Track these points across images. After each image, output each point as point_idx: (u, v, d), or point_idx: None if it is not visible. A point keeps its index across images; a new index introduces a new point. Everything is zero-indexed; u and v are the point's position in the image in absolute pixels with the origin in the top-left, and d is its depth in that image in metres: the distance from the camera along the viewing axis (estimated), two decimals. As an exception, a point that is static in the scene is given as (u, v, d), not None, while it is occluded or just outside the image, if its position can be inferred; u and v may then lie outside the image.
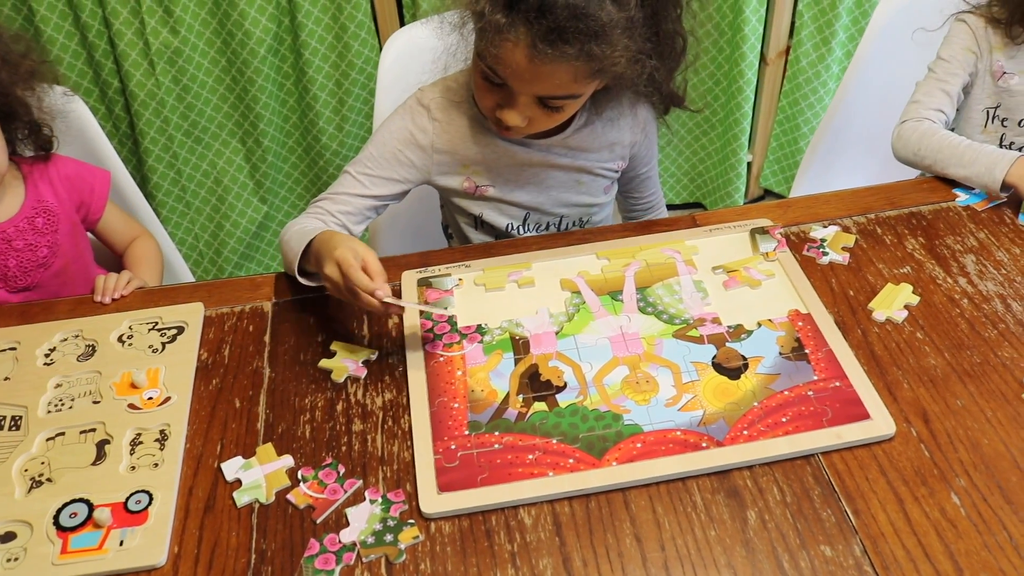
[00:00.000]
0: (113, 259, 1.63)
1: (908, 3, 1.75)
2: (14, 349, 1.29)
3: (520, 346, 1.21)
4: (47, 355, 1.28)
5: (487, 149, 1.39)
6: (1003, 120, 1.59)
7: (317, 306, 1.33)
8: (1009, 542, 0.98)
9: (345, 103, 2.30)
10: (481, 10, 1.18)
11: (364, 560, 1.00)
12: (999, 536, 0.99)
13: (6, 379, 1.24)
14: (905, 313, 1.24)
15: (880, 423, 1.09)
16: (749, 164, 2.67)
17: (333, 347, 1.24)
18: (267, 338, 1.28)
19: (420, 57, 1.57)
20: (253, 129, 2.30)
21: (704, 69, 2.49)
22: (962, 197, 1.45)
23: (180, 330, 1.30)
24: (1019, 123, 1.58)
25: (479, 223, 1.49)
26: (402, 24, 2.24)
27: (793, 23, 2.44)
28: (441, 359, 1.20)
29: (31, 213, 1.48)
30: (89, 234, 1.59)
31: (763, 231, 1.36)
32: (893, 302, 1.25)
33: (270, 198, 2.45)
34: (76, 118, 1.58)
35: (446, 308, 1.27)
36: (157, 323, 1.31)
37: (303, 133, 2.37)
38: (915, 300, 1.26)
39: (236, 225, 2.41)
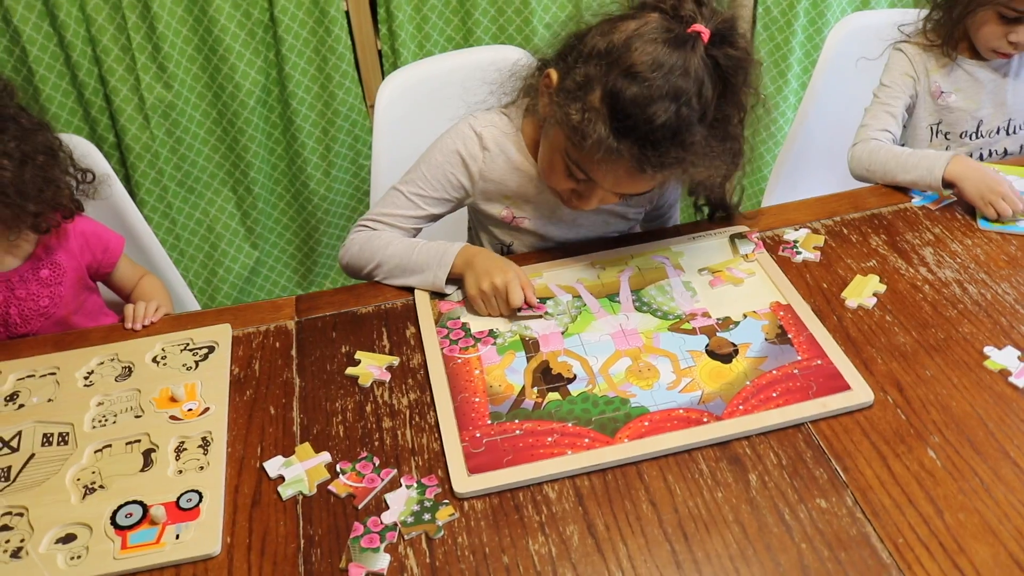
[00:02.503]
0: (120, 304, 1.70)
1: (852, 34, 1.92)
2: (54, 374, 1.37)
3: (530, 346, 1.33)
4: (86, 377, 1.36)
5: (529, 185, 1.50)
6: (946, 134, 1.75)
7: (337, 322, 1.44)
8: (981, 486, 1.11)
9: (332, 149, 2.42)
10: (584, 128, 1.27)
11: (406, 538, 1.10)
12: (972, 482, 1.12)
13: (49, 400, 1.32)
14: (874, 300, 1.38)
15: (860, 393, 1.22)
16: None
17: (358, 356, 1.35)
18: (293, 352, 1.38)
19: (413, 98, 1.71)
20: (244, 177, 2.42)
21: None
22: (917, 199, 1.60)
23: (211, 349, 1.39)
24: (960, 135, 1.75)
25: (506, 250, 1.59)
26: (383, 74, 2.37)
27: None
28: (459, 361, 1.32)
29: (37, 264, 1.54)
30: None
31: (741, 236, 1.50)
32: (863, 291, 1.39)
33: (261, 243, 2.55)
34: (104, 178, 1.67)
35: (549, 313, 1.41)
36: (188, 344, 1.40)
37: (292, 180, 2.49)
38: (882, 288, 1.40)
39: (229, 271, 2.51)
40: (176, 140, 2.30)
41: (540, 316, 1.37)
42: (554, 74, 1.32)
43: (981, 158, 1.75)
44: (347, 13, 2.29)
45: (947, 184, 1.56)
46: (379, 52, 2.38)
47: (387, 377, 1.31)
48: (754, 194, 2.74)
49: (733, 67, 1.29)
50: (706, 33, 1.25)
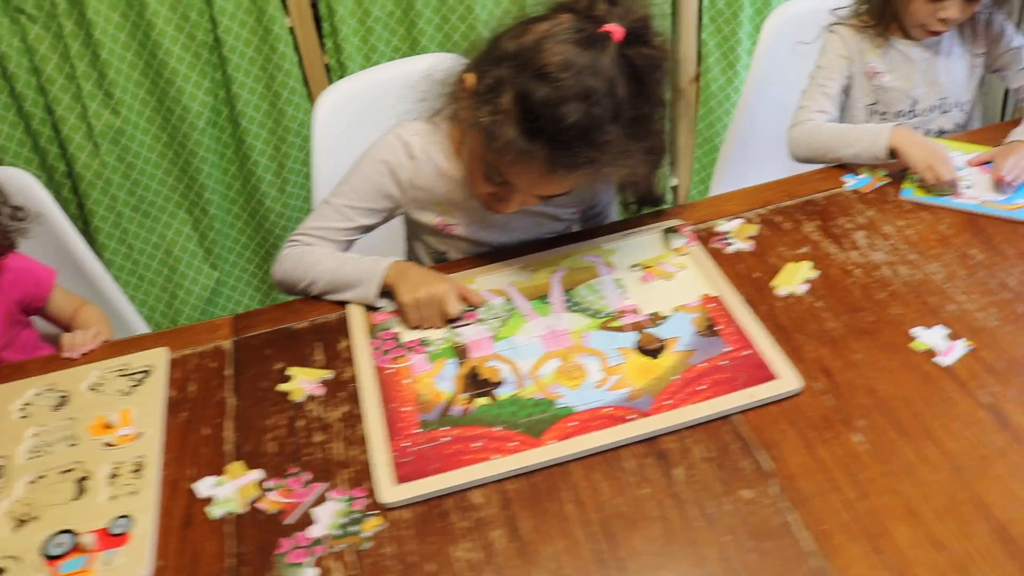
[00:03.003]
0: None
1: (789, 21, 1.92)
2: (-11, 408, 1.35)
3: (461, 352, 1.33)
4: (22, 409, 1.35)
5: (459, 192, 1.50)
6: (882, 114, 1.75)
7: (273, 339, 1.44)
8: (905, 468, 1.11)
9: (284, 166, 2.42)
10: (496, 131, 1.27)
11: (333, 551, 1.09)
12: (895, 463, 1.11)
13: (-17, 434, 1.30)
14: (806, 287, 1.38)
15: (787, 381, 1.21)
16: (675, 187, 2.81)
17: (290, 372, 1.35)
18: (229, 372, 1.37)
19: (352, 110, 1.70)
20: (199, 199, 2.42)
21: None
22: (850, 182, 1.60)
23: (147, 373, 1.39)
24: (896, 115, 1.75)
25: (441, 258, 1.59)
26: (332, 87, 2.36)
27: (700, 51, 2.60)
28: (390, 371, 1.31)
29: None
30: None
31: (673, 230, 1.49)
32: (793, 278, 1.38)
33: (221, 264, 2.55)
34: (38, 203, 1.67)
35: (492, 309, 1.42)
36: (124, 369, 1.40)
37: (247, 198, 2.49)
38: (815, 274, 1.39)
39: (190, 293, 2.51)
40: (128, 165, 2.30)
41: (471, 324, 1.36)
42: (470, 78, 1.31)
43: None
44: (291, 30, 2.28)
45: (892, 155, 1.55)
46: (327, 66, 2.36)
47: (321, 391, 1.30)
48: (701, 181, 2.74)
49: (648, 65, 1.29)
50: (619, 32, 1.25)
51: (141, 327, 1.91)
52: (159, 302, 2.48)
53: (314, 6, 2.30)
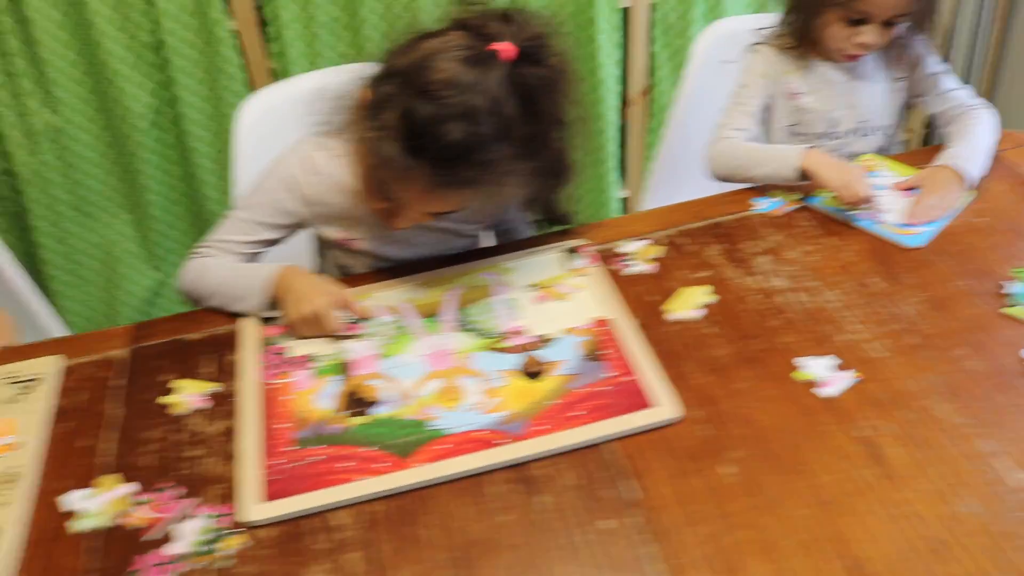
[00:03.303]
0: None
1: (719, 40, 1.91)
2: None
3: (346, 369, 1.31)
4: (-95, 417, 1.33)
5: (361, 207, 1.47)
6: (802, 135, 1.74)
7: (168, 350, 1.42)
8: (773, 500, 1.09)
9: (228, 168, 2.40)
10: (379, 147, 1.27)
11: (192, 568, 1.08)
12: (762, 497, 1.10)
13: None
14: (701, 312, 1.36)
15: (665, 409, 1.20)
16: (626, 199, 2.79)
17: (176, 384, 1.33)
18: (121, 382, 1.36)
19: (276, 118, 1.69)
20: (141, 200, 2.40)
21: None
22: (761, 205, 1.58)
23: (36, 381, 1.37)
24: (816, 136, 1.73)
25: (346, 272, 1.57)
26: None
27: (652, 64, 2.59)
28: (273, 386, 1.30)
29: None
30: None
31: (574, 250, 1.47)
32: (688, 303, 1.36)
33: (163, 266, 2.54)
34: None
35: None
36: (13, 376, 1.38)
37: (191, 200, 2.47)
38: (710, 300, 1.37)
39: (130, 294, 2.50)
40: (68, 165, 2.29)
41: (358, 336, 1.36)
42: (364, 93, 1.30)
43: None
44: (236, 32, 2.26)
45: (802, 176, 1.54)
46: (273, 70, 2.35)
47: (208, 404, 1.29)
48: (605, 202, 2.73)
49: (541, 84, 1.27)
50: (509, 50, 1.23)
51: (59, 331, 1.88)
52: (100, 302, 2.47)
53: (259, 9, 2.27)
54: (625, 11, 2.52)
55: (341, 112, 1.41)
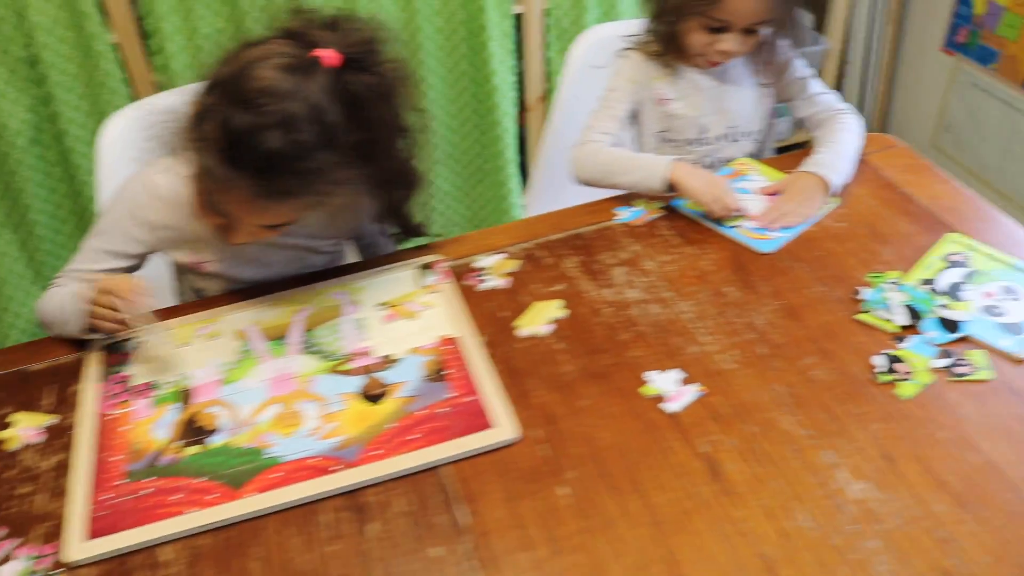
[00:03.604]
0: None
1: (595, 45, 1.88)
2: None
3: (186, 396, 1.27)
4: None
5: (207, 228, 1.42)
6: (673, 142, 1.71)
7: (6, 383, 1.38)
8: (605, 523, 1.07)
9: (113, 185, 2.34)
10: (201, 159, 1.24)
11: (7, 614, 1.03)
12: (596, 519, 1.07)
13: None
14: (551, 327, 1.33)
15: (503, 430, 1.17)
16: (526, 206, 2.76)
17: (10, 419, 1.28)
18: (-48, 415, 1.30)
19: (138, 137, 1.64)
20: (24, 219, 2.34)
21: (468, 121, 2.59)
22: (622, 215, 1.55)
23: None
24: (685, 143, 1.71)
25: (199, 296, 1.53)
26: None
27: (549, 70, 2.56)
28: (110, 417, 1.25)
29: None
30: None
31: (427, 266, 1.44)
32: (538, 318, 1.33)
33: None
34: None
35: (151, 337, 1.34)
36: None
37: (78, 218, 2.41)
38: (562, 314, 1.34)
39: (18, 315, 2.43)
40: (-55, 185, 2.21)
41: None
42: (191, 107, 1.26)
43: (708, 166, 1.70)
44: (116, 46, 2.21)
45: (670, 188, 1.52)
46: (158, 84, 2.29)
47: (42, 438, 1.24)
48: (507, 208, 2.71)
49: (369, 91, 1.25)
50: (332, 57, 1.21)
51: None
52: (-15, 324, 2.40)
53: (140, 21, 2.22)
54: (518, 17, 2.48)
55: (177, 130, 1.37)
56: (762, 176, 1.63)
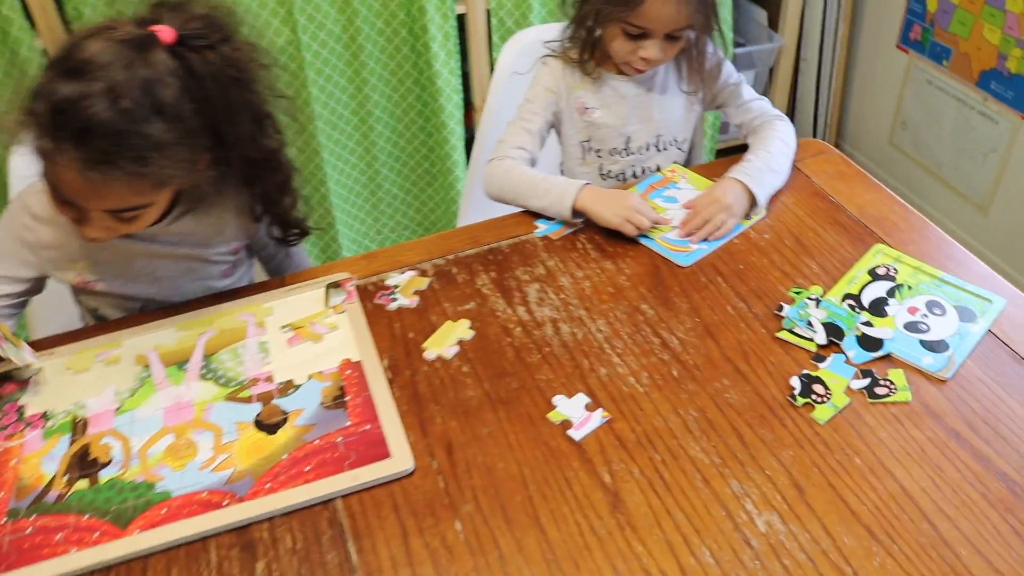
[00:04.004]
0: None
1: (524, 49, 1.82)
2: None
3: (79, 427, 1.22)
4: None
5: (90, 244, 1.37)
6: (597, 151, 1.66)
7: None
8: (499, 560, 1.02)
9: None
10: (30, 135, 1.18)
11: None
12: (490, 556, 1.03)
13: None
14: (456, 349, 1.28)
15: (399, 461, 1.12)
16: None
17: None
18: None
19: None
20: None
21: (414, 123, 2.54)
22: (541, 228, 1.50)
23: None
24: (610, 152, 1.66)
25: (96, 317, 1.48)
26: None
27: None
28: (1, 450, 1.20)
29: None
30: None
31: (336, 285, 1.39)
32: (446, 340, 1.29)
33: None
34: None
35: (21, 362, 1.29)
36: None
37: None
38: (469, 335, 1.30)
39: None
40: None
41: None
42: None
43: (634, 175, 1.65)
44: (45, 52, 2.15)
45: (576, 213, 1.48)
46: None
47: (-72, 472, 1.18)
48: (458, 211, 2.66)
49: (210, 72, 1.22)
50: (168, 33, 1.18)
51: None
52: None
53: (67, 25, 2.17)
54: (462, 17, 2.43)
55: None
56: (690, 184, 1.58)
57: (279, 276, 1.54)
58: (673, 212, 1.51)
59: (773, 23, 2.97)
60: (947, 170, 2.79)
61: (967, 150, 2.68)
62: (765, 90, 3.13)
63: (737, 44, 2.91)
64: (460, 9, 2.42)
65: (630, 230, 1.45)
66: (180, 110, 1.19)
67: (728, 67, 1.64)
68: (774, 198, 1.54)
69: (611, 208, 1.47)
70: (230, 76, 1.24)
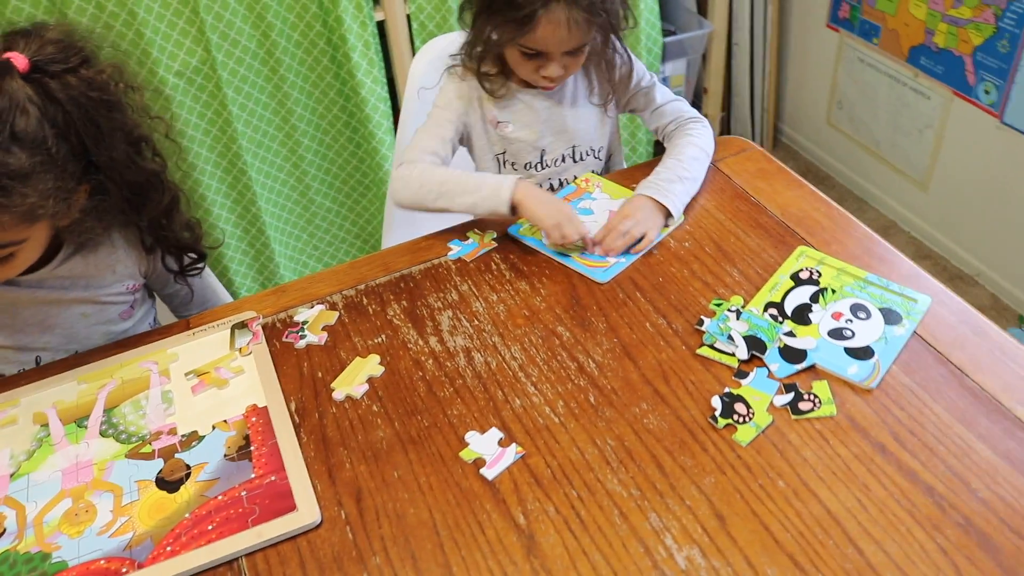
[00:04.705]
0: None
1: (438, 58, 1.76)
2: None
3: (-29, 494, 1.16)
4: None
5: None
6: (512, 164, 1.61)
7: None
8: (405, 616, 0.96)
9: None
10: None
11: None
12: (397, 612, 0.97)
13: None
14: (365, 387, 1.23)
15: (305, 514, 1.07)
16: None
17: None
18: None
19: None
20: None
21: (342, 135, 2.48)
22: (454, 250, 1.45)
23: None
24: (525, 166, 1.61)
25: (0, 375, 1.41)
26: None
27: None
28: None
29: None
30: None
31: (243, 325, 1.33)
32: (355, 378, 1.23)
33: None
34: None
35: None
36: None
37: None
38: (379, 371, 1.24)
39: None
40: None
41: None
42: None
43: (551, 188, 1.60)
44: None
45: (513, 209, 1.44)
46: None
47: None
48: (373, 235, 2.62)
49: (70, 98, 1.18)
50: (21, 60, 1.14)
51: None
52: None
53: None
54: (383, 25, 2.37)
55: None
56: (605, 193, 1.53)
57: (186, 315, 1.47)
58: (590, 225, 1.45)
59: (702, 9, 2.93)
60: (885, 147, 2.76)
61: (903, 127, 2.65)
62: (699, 77, 3.08)
63: (667, 32, 2.86)
64: (380, 16, 2.35)
65: (556, 237, 1.41)
66: (41, 137, 1.14)
67: (640, 70, 1.59)
68: (693, 202, 1.49)
69: (547, 208, 1.43)
70: (94, 99, 1.19)
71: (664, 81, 2.91)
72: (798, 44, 2.98)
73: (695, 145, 1.52)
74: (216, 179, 2.36)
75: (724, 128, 3.22)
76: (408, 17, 2.39)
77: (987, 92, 2.33)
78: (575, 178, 1.62)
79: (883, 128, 2.74)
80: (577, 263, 1.39)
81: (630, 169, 1.65)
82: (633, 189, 1.52)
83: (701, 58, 3.00)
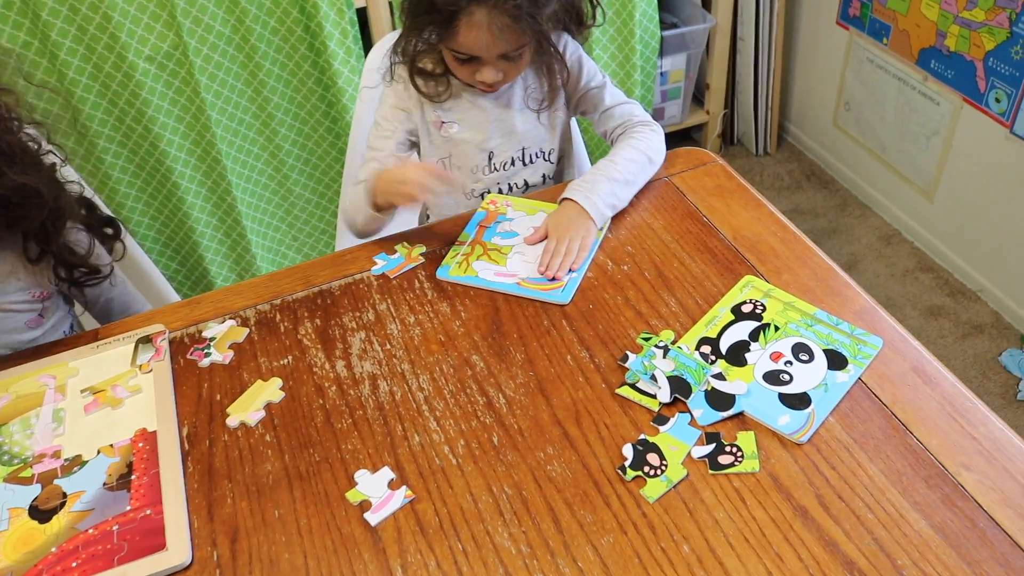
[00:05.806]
0: None
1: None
2: None
3: None
4: None
5: None
6: (458, 168, 1.52)
7: None
8: None
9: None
10: None
11: None
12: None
13: None
14: (262, 414, 1.16)
15: (175, 554, 1.00)
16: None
17: None
18: None
19: None
20: None
21: (320, 125, 2.41)
22: (379, 264, 1.37)
23: None
24: (472, 170, 1.52)
25: None
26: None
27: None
28: None
29: None
30: None
31: (148, 339, 1.26)
32: (252, 403, 1.16)
33: None
34: None
35: None
36: None
37: None
38: (278, 397, 1.17)
39: None
40: None
41: None
42: None
43: (501, 192, 1.51)
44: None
45: (378, 207, 1.40)
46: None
47: None
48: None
49: None
50: None
51: None
52: None
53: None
54: (362, 12, 2.28)
55: None
56: (519, 211, 1.44)
57: (103, 319, 1.41)
58: (520, 247, 1.36)
59: (706, 2, 2.80)
60: (891, 153, 2.64)
61: (910, 132, 2.53)
62: (702, 72, 2.96)
63: (669, 25, 2.74)
64: (361, 3, 2.26)
65: (403, 201, 1.34)
66: None
67: (590, 70, 1.49)
68: (638, 220, 1.40)
69: (390, 190, 1.36)
70: None
71: (662, 76, 2.79)
72: (806, 41, 2.85)
73: (635, 148, 1.43)
74: (190, 167, 2.30)
75: (727, 126, 3.10)
76: (391, 5, 2.29)
77: (998, 100, 2.21)
78: (526, 183, 1.52)
79: (890, 133, 2.62)
80: (530, 290, 1.30)
81: (550, 189, 1.55)
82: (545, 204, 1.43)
83: (704, 53, 2.88)
